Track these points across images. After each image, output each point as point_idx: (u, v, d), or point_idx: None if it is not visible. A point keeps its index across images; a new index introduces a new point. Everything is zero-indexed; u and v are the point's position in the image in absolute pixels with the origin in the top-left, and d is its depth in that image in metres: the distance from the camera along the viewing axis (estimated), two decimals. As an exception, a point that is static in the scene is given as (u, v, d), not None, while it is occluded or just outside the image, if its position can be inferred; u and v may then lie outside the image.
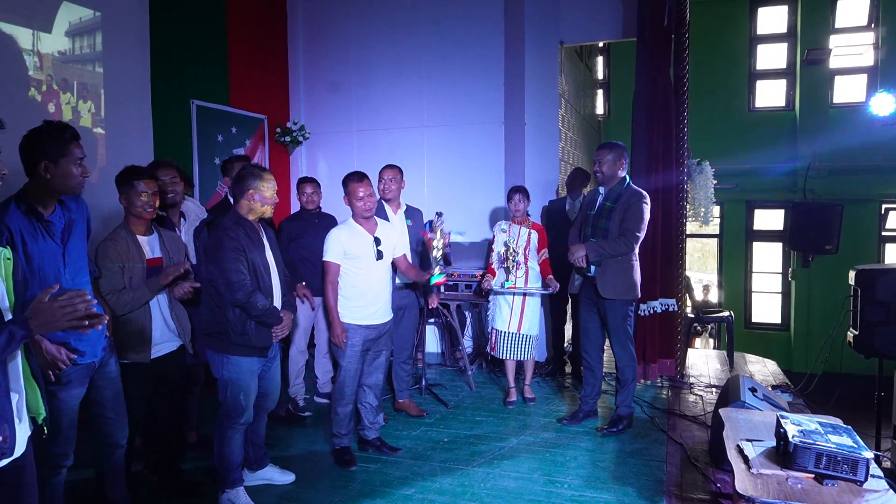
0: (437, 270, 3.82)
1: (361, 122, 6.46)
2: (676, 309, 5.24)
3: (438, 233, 3.79)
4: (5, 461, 1.75)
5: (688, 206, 5.34)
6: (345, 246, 3.58)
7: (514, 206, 4.69)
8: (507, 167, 5.91)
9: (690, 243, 6.08)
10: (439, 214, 3.88)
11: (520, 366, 4.95)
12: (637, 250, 4.06)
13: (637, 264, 4.09)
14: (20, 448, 1.81)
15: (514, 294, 4.65)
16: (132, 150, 4.55)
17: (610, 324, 4.10)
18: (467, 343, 5.89)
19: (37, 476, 1.98)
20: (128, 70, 4.64)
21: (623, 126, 5.43)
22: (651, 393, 5.04)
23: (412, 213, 4.46)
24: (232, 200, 3.31)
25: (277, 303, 3.16)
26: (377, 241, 3.66)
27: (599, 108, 10.82)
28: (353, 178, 3.62)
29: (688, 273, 5.67)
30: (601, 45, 10.11)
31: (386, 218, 4.14)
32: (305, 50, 6.63)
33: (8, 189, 2.25)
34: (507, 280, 4.55)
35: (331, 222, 4.90)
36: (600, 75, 10.86)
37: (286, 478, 3.49)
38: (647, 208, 3.99)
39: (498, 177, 5.95)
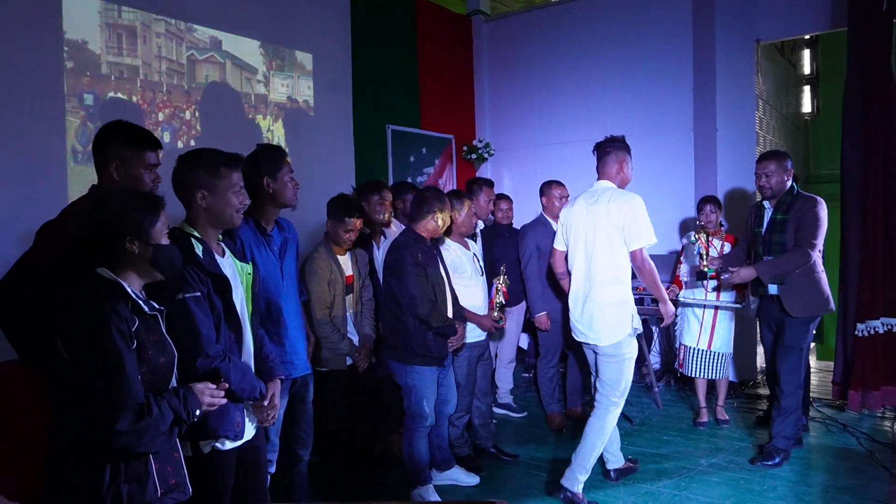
0: (496, 315, 3.84)
1: (545, 137, 6.54)
2: (904, 329, 4.62)
3: (502, 279, 3.84)
4: (239, 442, 2.10)
5: (915, 212, 4.70)
6: (450, 261, 3.63)
7: (704, 217, 4.47)
8: (698, 176, 5.63)
9: (922, 254, 5.28)
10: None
11: (712, 385, 4.68)
12: (820, 260, 3.73)
13: (823, 275, 3.77)
14: (250, 433, 2.16)
15: (703, 308, 4.42)
16: (337, 172, 5.12)
17: (786, 341, 3.75)
18: (654, 359, 5.68)
19: None
20: (334, 102, 5.21)
21: (836, 124, 4.88)
22: (870, 423, 4.47)
23: None
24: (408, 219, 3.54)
25: (449, 315, 3.36)
26: (475, 258, 3.82)
27: (806, 106, 9.84)
28: (463, 196, 3.78)
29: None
30: (807, 37, 9.21)
31: None
32: (490, 69, 6.89)
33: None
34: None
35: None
36: (807, 70, 9.87)
37: (471, 479, 3.65)
38: (823, 213, 3.66)
39: (688, 186, 5.68)
